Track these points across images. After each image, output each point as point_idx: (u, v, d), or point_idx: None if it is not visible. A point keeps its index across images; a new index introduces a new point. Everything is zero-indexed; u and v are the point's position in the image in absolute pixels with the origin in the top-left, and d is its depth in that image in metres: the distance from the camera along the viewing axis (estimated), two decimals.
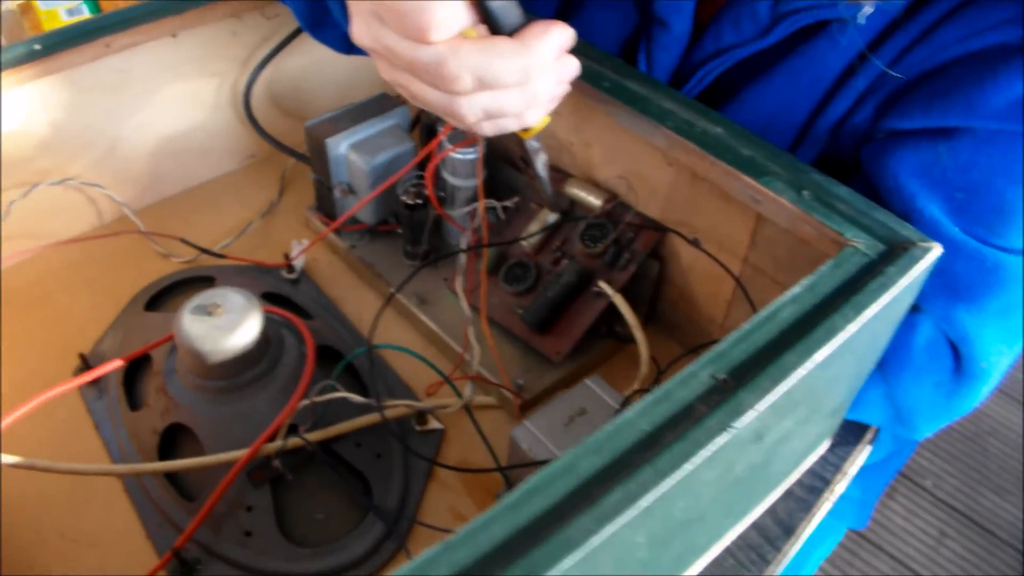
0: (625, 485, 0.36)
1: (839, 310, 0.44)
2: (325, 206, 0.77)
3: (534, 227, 0.68)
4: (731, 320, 0.65)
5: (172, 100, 0.80)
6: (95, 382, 0.67)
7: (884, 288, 0.46)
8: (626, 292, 0.64)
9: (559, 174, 0.71)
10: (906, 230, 0.49)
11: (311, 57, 0.86)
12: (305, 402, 0.58)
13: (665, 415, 0.38)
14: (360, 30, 0.45)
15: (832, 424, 0.64)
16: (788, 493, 0.66)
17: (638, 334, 0.62)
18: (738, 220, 0.59)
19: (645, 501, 0.35)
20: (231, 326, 0.59)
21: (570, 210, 0.69)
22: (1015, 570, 1.58)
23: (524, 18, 0.44)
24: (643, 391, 0.58)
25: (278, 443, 0.57)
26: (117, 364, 0.63)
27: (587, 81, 0.61)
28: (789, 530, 0.64)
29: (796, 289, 0.45)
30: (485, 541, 0.34)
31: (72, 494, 0.61)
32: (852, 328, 0.44)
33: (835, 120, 0.63)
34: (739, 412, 0.39)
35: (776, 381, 0.40)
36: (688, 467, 0.37)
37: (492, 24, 0.43)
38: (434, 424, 0.63)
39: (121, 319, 0.72)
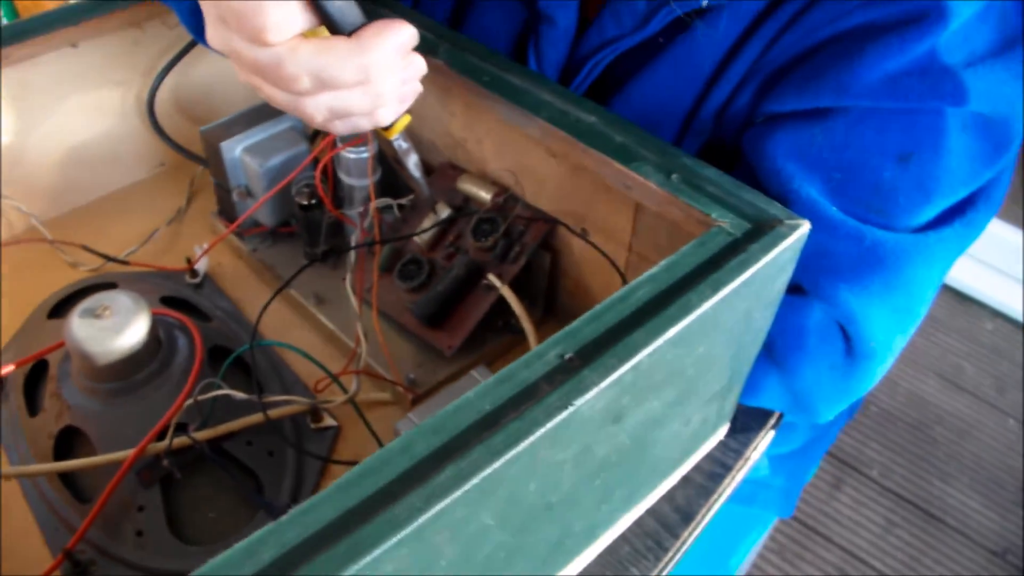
0: (457, 464, 0.36)
1: (695, 288, 0.45)
2: (226, 210, 0.77)
3: (427, 222, 0.69)
4: None
5: (77, 110, 0.80)
6: None
7: (745, 266, 0.46)
8: (520, 285, 0.65)
9: (455, 171, 0.72)
10: (774, 208, 0.50)
11: (218, 64, 0.86)
12: (190, 401, 0.58)
13: (507, 395, 0.39)
14: (211, 34, 0.47)
15: (723, 409, 0.64)
16: (686, 480, 0.67)
17: (526, 325, 0.63)
18: (620, 208, 0.60)
19: (476, 479, 0.36)
20: (118, 328, 0.59)
21: (464, 206, 0.70)
22: (962, 555, 1.60)
23: (363, 18, 0.45)
24: None
25: (165, 442, 0.57)
26: (9, 368, 0.63)
27: (470, 77, 0.61)
28: (688, 517, 0.65)
29: (654, 269, 0.46)
30: (313, 522, 0.34)
31: None
32: (707, 306, 0.44)
33: (717, 107, 0.64)
34: (582, 390, 0.39)
35: (623, 359, 0.41)
36: (525, 445, 0.37)
37: (330, 25, 0.45)
38: (329, 422, 0.63)
39: (24, 328, 0.72)
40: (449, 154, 0.74)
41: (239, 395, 0.58)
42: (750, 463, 0.70)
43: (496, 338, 0.68)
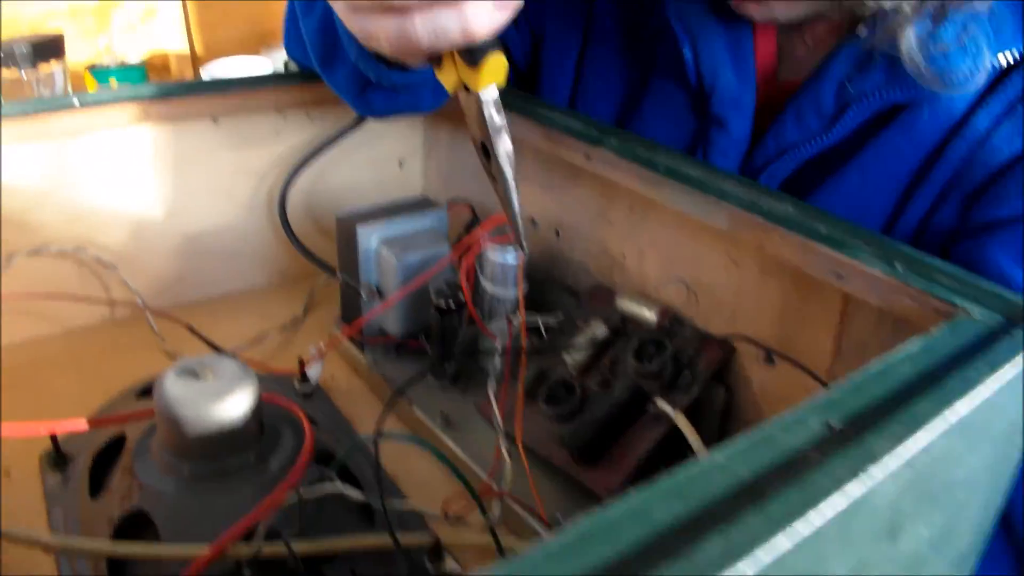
0: (725, 534, 0.25)
1: (965, 369, 0.35)
2: (351, 315, 0.70)
3: (580, 341, 0.60)
4: None
5: (205, 191, 0.77)
6: (62, 467, 0.59)
7: (1012, 354, 0.36)
8: (689, 422, 0.55)
9: (605, 291, 0.64)
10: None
11: (353, 172, 0.82)
12: (293, 497, 0.47)
13: (768, 461, 0.28)
14: None
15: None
16: None
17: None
18: (819, 322, 0.52)
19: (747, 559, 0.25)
20: (220, 393, 0.50)
21: (622, 328, 0.61)
22: None
23: None
24: None
25: (253, 545, 0.46)
26: (81, 424, 0.54)
27: (643, 166, 0.55)
28: None
29: (908, 347, 0.37)
30: None
31: None
32: (988, 393, 0.34)
33: (917, 221, 0.57)
34: (872, 458, 0.29)
35: (911, 429, 0.31)
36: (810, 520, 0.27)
37: None
38: (453, 567, 0.51)
39: (108, 405, 0.64)
40: (603, 276, 0.66)
41: (355, 494, 0.47)
42: None
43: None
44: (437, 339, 0.65)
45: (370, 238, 0.65)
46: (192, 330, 0.70)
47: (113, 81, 1.05)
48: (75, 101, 0.68)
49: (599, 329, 0.61)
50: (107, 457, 0.57)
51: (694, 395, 0.56)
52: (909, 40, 0.52)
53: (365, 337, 0.68)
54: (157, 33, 1.76)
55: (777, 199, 0.50)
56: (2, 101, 0.75)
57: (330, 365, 0.71)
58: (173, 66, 1.55)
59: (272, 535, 0.48)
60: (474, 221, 0.74)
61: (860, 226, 0.47)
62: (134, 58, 1.38)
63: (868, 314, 0.48)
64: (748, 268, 0.54)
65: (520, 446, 0.55)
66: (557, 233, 0.69)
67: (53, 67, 1.03)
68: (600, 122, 0.62)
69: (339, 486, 0.48)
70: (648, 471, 0.56)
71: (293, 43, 0.73)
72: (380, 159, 0.84)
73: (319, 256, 0.77)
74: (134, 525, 0.51)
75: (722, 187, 0.52)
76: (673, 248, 0.59)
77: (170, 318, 0.74)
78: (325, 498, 0.50)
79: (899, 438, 0.30)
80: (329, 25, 0.61)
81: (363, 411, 0.67)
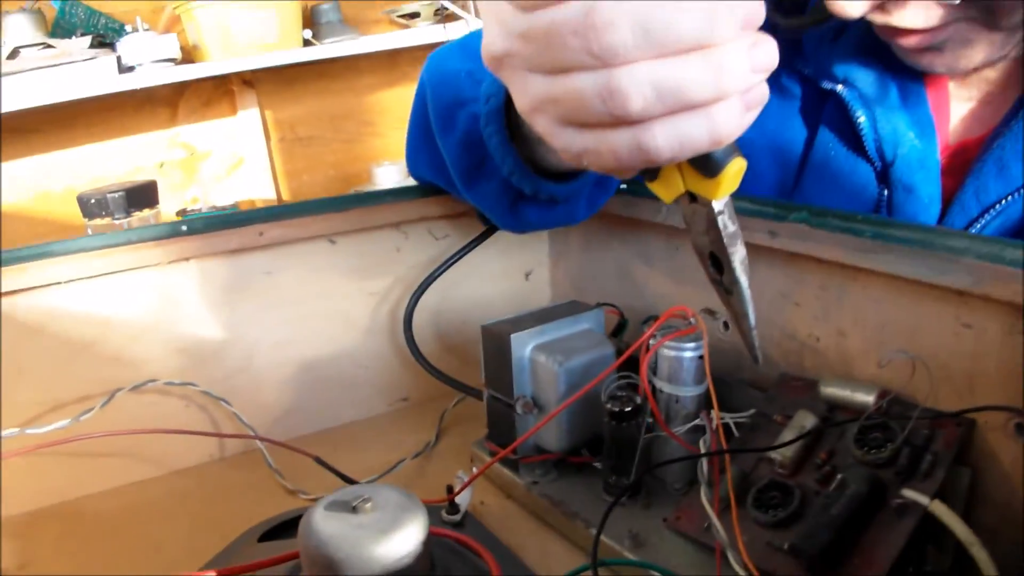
0: None
1: None
2: (499, 433, 0.63)
3: (788, 435, 0.52)
4: None
5: (322, 316, 0.73)
6: None
7: None
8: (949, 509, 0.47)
9: (800, 381, 0.57)
10: None
11: (478, 286, 0.77)
12: None
13: None
14: (488, 38, 0.37)
15: None
16: None
17: (980, 555, 0.43)
18: None
19: None
20: (383, 527, 0.43)
21: (829, 416, 0.54)
22: None
23: None
24: None
25: None
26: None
27: (840, 232, 0.49)
28: None
29: None
30: None
31: None
32: None
33: None
34: None
35: None
36: None
37: None
38: None
39: (227, 550, 0.57)
40: (790, 364, 0.59)
41: None
42: None
43: None
44: (611, 450, 0.57)
45: (525, 346, 0.59)
46: (319, 461, 0.63)
47: None
48: (183, 228, 0.64)
49: (807, 419, 0.53)
50: None
51: (939, 480, 0.48)
52: None
53: (520, 459, 0.61)
54: (245, 182, 1.79)
55: (1020, 246, 0.43)
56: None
57: (478, 490, 0.63)
58: None
59: None
60: (623, 324, 0.68)
61: None
62: (223, 203, 1.39)
63: None
64: (986, 329, 0.47)
65: (749, 562, 0.47)
66: (726, 325, 0.63)
67: (147, 214, 1.01)
68: (776, 199, 0.56)
69: None
70: (900, 573, 0.47)
71: (420, 165, 0.70)
72: (506, 271, 0.79)
73: (450, 375, 0.71)
74: None
75: (950, 244, 0.45)
76: (883, 323, 0.52)
77: (288, 450, 0.67)
78: None
79: None
80: (475, 140, 0.57)
81: (522, 538, 0.59)
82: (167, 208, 1.17)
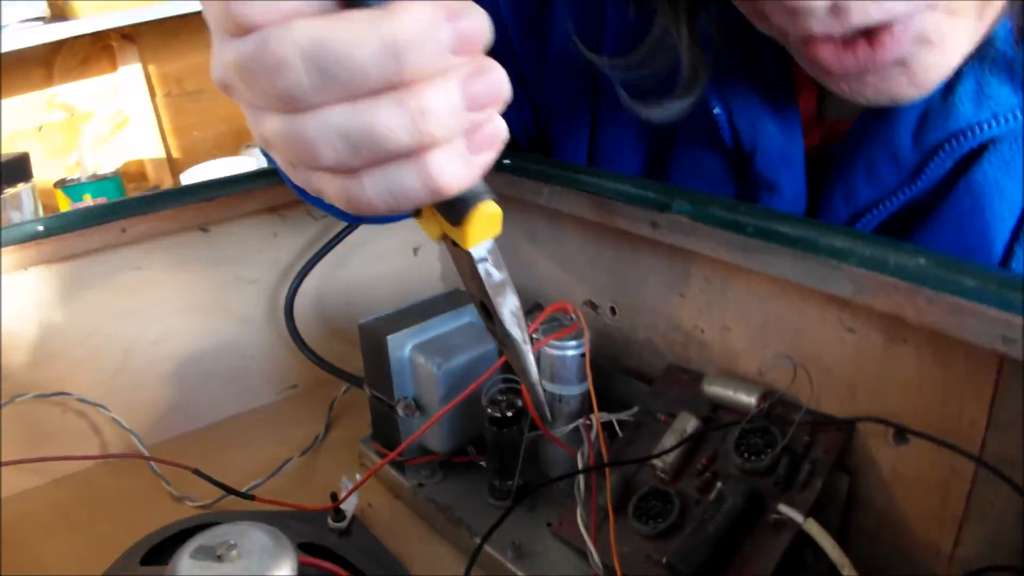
0: None
1: None
2: (383, 432, 0.62)
3: (669, 440, 0.52)
4: (966, 548, 0.46)
5: (198, 310, 0.70)
6: None
7: None
8: (822, 528, 0.46)
9: (687, 376, 0.56)
10: None
11: (363, 265, 0.74)
12: None
13: None
14: (213, 60, 0.32)
15: None
16: None
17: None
18: (964, 390, 0.43)
19: None
20: None
21: (713, 417, 0.53)
22: None
23: None
24: None
25: None
26: None
27: (730, 230, 0.47)
28: None
29: None
30: None
31: None
32: None
33: None
34: None
35: None
36: None
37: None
38: None
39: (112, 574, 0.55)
40: (676, 355, 0.58)
41: None
42: None
43: None
44: (495, 454, 0.56)
45: (403, 347, 0.57)
46: (199, 473, 0.61)
47: (88, 197, 0.98)
48: (39, 228, 0.60)
49: (688, 423, 0.52)
50: None
51: (817, 490, 0.47)
52: None
53: (406, 461, 0.60)
54: (131, 142, 1.70)
55: (910, 253, 0.41)
56: None
57: (366, 491, 0.62)
58: (150, 173, 1.50)
59: None
60: None
61: (1015, 277, 0.39)
62: (108, 169, 1.32)
63: None
64: (868, 336, 0.46)
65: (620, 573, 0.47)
66: (613, 311, 0.61)
67: (20, 189, 0.96)
68: (662, 184, 0.54)
69: None
70: None
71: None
72: (392, 249, 0.76)
73: (336, 365, 0.69)
74: None
75: (835, 245, 0.44)
76: (766, 321, 0.51)
77: (171, 453, 0.65)
78: None
79: None
80: None
81: (411, 544, 0.58)
82: (46, 175, 1.11)
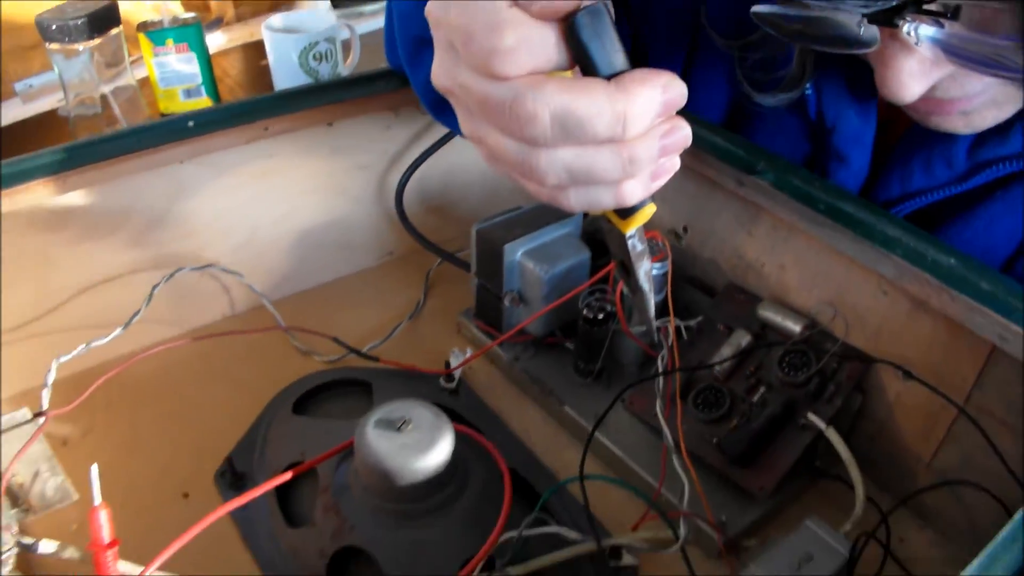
0: None
1: None
2: (487, 313, 0.77)
3: (727, 351, 0.68)
4: (940, 460, 0.64)
5: (317, 190, 0.82)
6: (239, 489, 0.66)
7: None
8: (839, 435, 0.64)
9: (742, 295, 0.71)
10: None
11: (460, 155, 0.86)
12: (512, 534, 0.56)
13: None
14: (437, 67, 0.41)
15: None
16: None
17: (855, 472, 0.61)
18: (965, 355, 0.59)
19: None
20: (422, 445, 0.58)
21: (761, 334, 0.69)
22: None
23: (627, 64, 0.38)
24: (866, 536, 0.56)
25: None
26: (286, 477, 0.61)
27: (799, 201, 0.61)
28: None
29: None
30: None
31: None
32: None
33: None
34: None
35: None
36: None
37: (587, 65, 0.38)
38: (628, 560, 0.61)
39: (265, 420, 0.71)
40: (734, 276, 0.73)
41: (572, 534, 0.56)
42: None
43: (796, 480, 0.66)
44: (583, 343, 0.72)
45: (515, 252, 0.71)
46: (337, 341, 0.76)
47: (170, 42, 1.05)
48: (190, 124, 0.70)
49: (743, 339, 0.68)
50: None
51: (837, 406, 0.64)
52: None
53: (504, 336, 0.76)
54: None
55: (944, 252, 0.56)
56: (119, 127, 0.78)
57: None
58: (213, 5, 1.49)
59: (488, 565, 0.57)
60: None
61: (1020, 285, 0.54)
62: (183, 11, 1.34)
63: (1015, 363, 0.55)
64: (899, 301, 0.61)
65: (686, 456, 0.64)
66: (685, 229, 0.76)
67: (111, 35, 1.02)
68: (752, 145, 0.66)
69: (558, 529, 0.57)
70: (795, 473, 0.65)
71: (392, 53, 0.75)
72: None
73: (429, 239, 0.83)
74: (345, 556, 0.60)
75: (887, 233, 0.58)
76: (819, 271, 0.66)
77: (289, 309, 0.81)
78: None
79: None
80: None
81: (506, 404, 0.75)
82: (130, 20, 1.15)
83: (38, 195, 0.65)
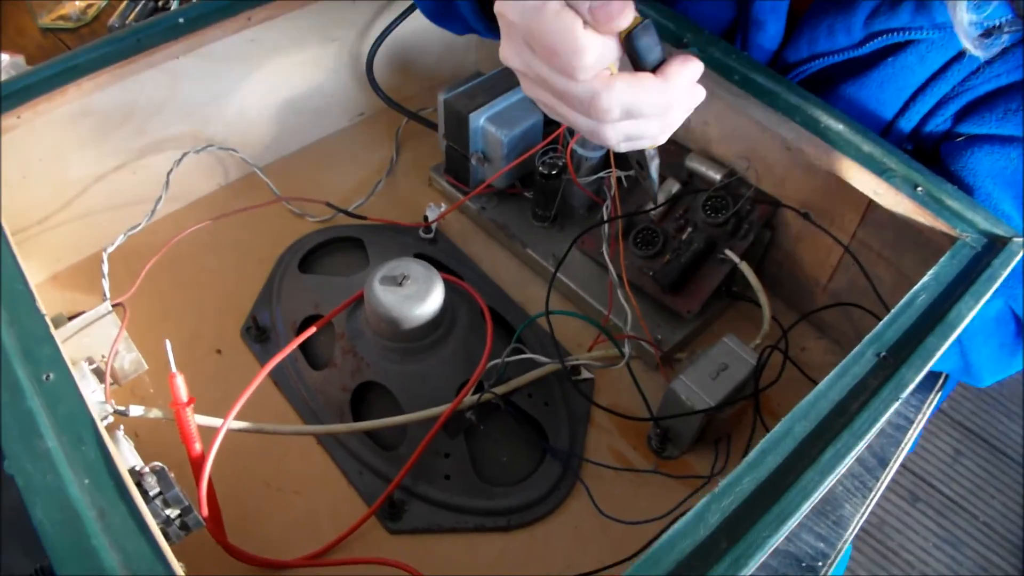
0: (834, 445, 0.54)
1: (962, 299, 0.62)
2: (455, 170, 0.92)
3: (660, 197, 0.85)
4: (834, 283, 0.82)
5: (295, 66, 0.93)
6: (264, 342, 0.83)
7: (993, 279, 0.63)
8: (750, 267, 0.82)
9: (675, 147, 0.88)
10: (1000, 227, 0.66)
11: (418, 19, 0.98)
12: (497, 361, 0.75)
13: (848, 387, 0.57)
14: (510, 53, 0.53)
15: None
16: (881, 431, 0.85)
17: (763, 298, 0.80)
18: (851, 202, 0.75)
19: (850, 458, 0.54)
20: (420, 295, 0.75)
21: (689, 182, 0.86)
22: (1020, 483, 1.90)
23: (663, 54, 0.51)
24: (771, 347, 0.76)
25: (474, 398, 0.74)
26: (313, 330, 0.77)
27: (721, 74, 0.77)
28: (884, 462, 0.84)
29: (925, 279, 0.63)
30: (740, 492, 0.51)
31: (270, 448, 0.75)
32: (972, 314, 0.61)
33: (916, 121, 0.78)
34: (903, 386, 0.57)
35: (926, 360, 0.58)
36: (875, 429, 0.55)
37: (636, 61, 0.51)
38: (585, 374, 0.81)
39: (276, 279, 0.87)
40: None
41: (543, 359, 0.75)
42: (926, 417, 0.89)
43: (717, 302, 0.86)
44: (540, 194, 0.88)
45: (479, 119, 0.85)
46: (330, 205, 0.91)
47: None
48: (180, 20, 0.81)
49: (673, 186, 0.85)
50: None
51: (750, 241, 0.83)
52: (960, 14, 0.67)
53: (472, 188, 0.92)
54: None
55: (835, 118, 0.71)
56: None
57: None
58: None
59: (478, 388, 0.76)
60: None
61: (895, 149, 0.70)
62: None
63: (888, 211, 0.71)
64: (800, 156, 0.76)
65: (628, 288, 0.82)
66: None
67: None
68: (670, 11, 0.79)
69: (531, 355, 0.76)
70: (716, 298, 0.85)
71: None
72: None
73: (394, 98, 0.97)
74: (362, 389, 0.78)
75: (789, 101, 0.73)
76: (735, 129, 0.80)
77: (276, 172, 0.95)
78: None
79: (918, 368, 0.57)
80: None
81: (477, 248, 0.91)
82: None
83: (55, 103, 0.76)
